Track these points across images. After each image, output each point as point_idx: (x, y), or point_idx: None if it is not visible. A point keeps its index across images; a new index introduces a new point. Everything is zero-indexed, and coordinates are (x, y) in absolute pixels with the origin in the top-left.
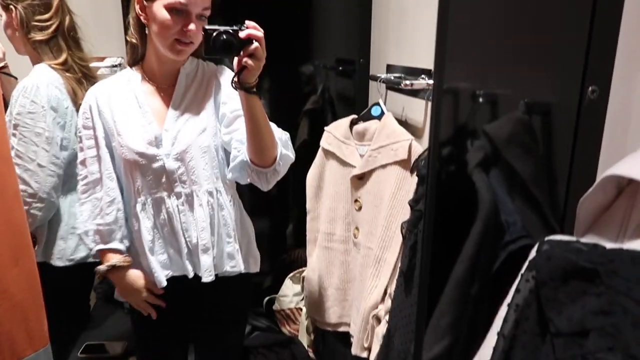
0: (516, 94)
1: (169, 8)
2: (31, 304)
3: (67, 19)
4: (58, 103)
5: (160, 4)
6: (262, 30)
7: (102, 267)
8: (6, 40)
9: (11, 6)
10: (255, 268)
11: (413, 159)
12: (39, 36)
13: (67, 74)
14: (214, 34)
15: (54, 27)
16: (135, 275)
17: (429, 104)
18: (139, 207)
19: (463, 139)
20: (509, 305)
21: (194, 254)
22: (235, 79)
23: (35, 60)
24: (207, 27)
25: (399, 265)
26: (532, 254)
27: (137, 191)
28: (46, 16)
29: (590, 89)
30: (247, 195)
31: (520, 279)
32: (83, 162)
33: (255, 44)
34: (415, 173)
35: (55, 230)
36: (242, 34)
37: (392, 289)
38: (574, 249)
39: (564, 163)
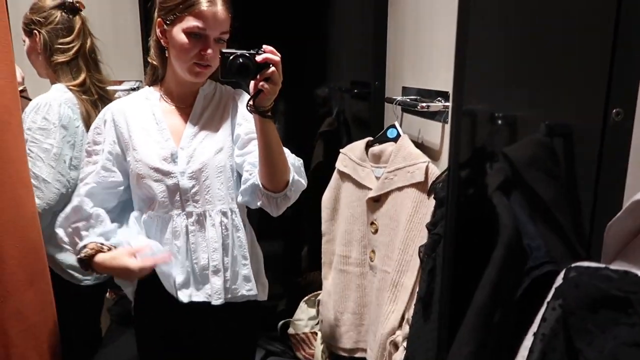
0: (537, 115)
1: (188, 32)
2: (45, 327)
3: (89, 41)
4: (69, 122)
5: (179, 28)
6: (279, 55)
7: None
8: (26, 64)
9: (35, 31)
10: (264, 296)
11: (430, 182)
12: (61, 58)
13: (84, 96)
14: (231, 57)
15: (75, 49)
16: (110, 256)
17: (446, 126)
18: (146, 222)
19: (483, 162)
20: (534, 334)
21: (202, 276)
22: (251, 103)
23: (54, 82)
24: (224, 50)
25: (417, 289)
26: (559, 281)
27: (147, 208)
28: (69, 39)
29: (614, 111)
30: (261, 216)
31: (547, 307)
32: (85, 177)
33: (272, 68)
34: (433, 196)
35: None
36: (258, 58)
37: (409, 314)
38: (604, 277)
39: (589, 187)
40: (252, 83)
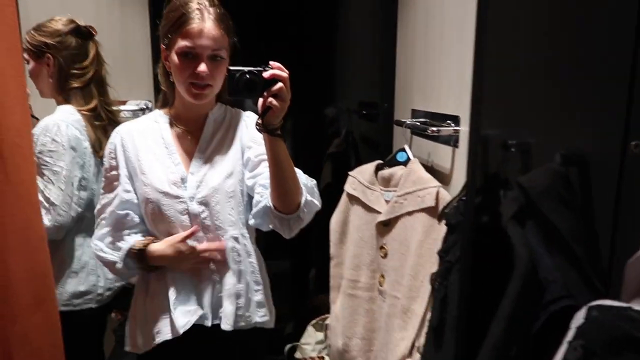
0: (552, 144)
1: (179, 53)
2: (51, 351)
3: (102, 67)
4: (77, 143)
5: (173, 49)
6: (286, 71)
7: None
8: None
9: (48, 54)
10: (272, 323)
11: (441, 207)
12: (75, 83)
13: (95, 122)
14: (237, 74)
15: (90, 75)
16: (165, 243)
17: (457, 150)
18: None
19: (498, 190)
20: None
21: (215, 300)
22: (259, 121)
23: (61, 104)
24: (231, 67)
25: (428, 317)
26: (579, 319)
27: (157, 233)
28: (84, 64)
29: (633, 143)
30: (268, 237)
31: (568, 347)
32: (106, 204)
33: (279, 84)
34: (444, 222)
35: (62, 270)
36: (266, 74)
37: (420, 342)
38: (628, 317)
39: (607, 219)
40: (260, 101)
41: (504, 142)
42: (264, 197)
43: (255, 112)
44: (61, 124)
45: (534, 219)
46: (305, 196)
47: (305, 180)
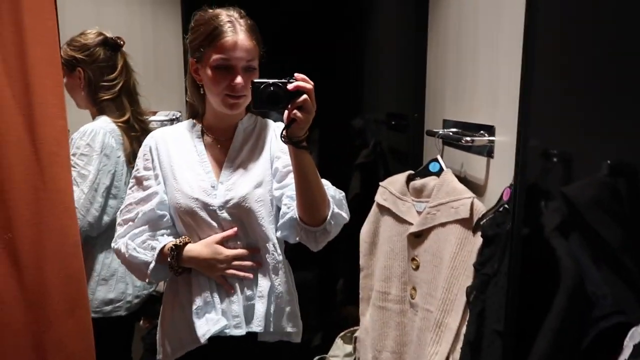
0: (597, 154)
1: (214, 66)
2: (83, 356)
3: (131, 77)
4: (112, 151)
5: (207, 63)
6: (311, 83)
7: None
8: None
9: (79, 68)
10: (298, 338)
11: (475, 218)
12: (106, 95)
13: (131, 133)
14: (262, 86)
15: (119, 86)
16: (202, 244)
17: (492, 160)
18: None
19: (543, 202)
20: None
21: (247, 308)
22: (284, 133)
23: (96, 116)
24: (255, 79)
25: (463, 331)
26: (637, 337)
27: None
28: (112, 76)
29: None
30: (295, 247)
31: None
32: (135, 203)
33: (304, 96)
34: (480, 233)
35: (92, 277)
36: (290, 86)
37: (454, 357)
38: None
39: None
40: (285, 113)
41: (547, 152)
42: (290, 208)
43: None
44: (99, 131)
45: (579, 231)
46: (333, 208)
47: (333, 192)
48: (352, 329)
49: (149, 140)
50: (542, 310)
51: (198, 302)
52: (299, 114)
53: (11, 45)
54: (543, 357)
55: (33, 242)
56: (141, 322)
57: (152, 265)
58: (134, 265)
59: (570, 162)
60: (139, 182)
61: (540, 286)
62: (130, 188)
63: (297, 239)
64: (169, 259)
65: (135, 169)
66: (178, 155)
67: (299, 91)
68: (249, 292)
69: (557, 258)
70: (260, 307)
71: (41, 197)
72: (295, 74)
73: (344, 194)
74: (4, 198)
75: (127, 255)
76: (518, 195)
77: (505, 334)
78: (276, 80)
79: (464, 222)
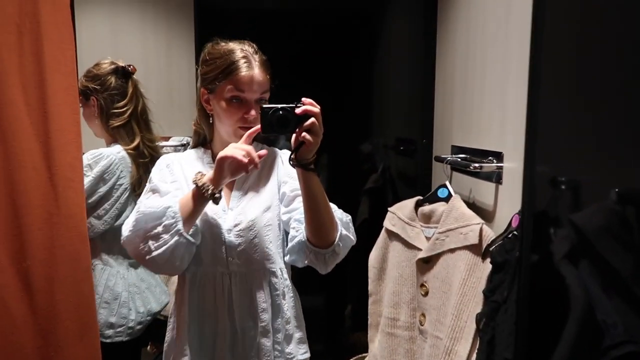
0: (605, 182)
1: (228, 99)
2: None
3: (140, 103)
4: (111, 178)
5: (221, 96)
6: (318, 107)
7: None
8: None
9: (92, 97)
10: None
11: (484, 244)
12: (116, 122)
13: (140, 160)
14: (270, 111)
15: (129, 112)
16: (218, 159)
17: (500, 187)
18: (188, 278)
19: (551, 229)
20: None
21: (249, 339)
22: (293, 156)
23: (110, 144)
24: (264, 105)
25: (472, 359)
26: None
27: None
28: (122, 103)
29: None
30: (303, 272)
31: None
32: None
33: (312, 120)
34: (489, 260)
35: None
36: (298, 110)
37: None
38: None
39: None
40: (293, 136)
41: (555, 179)
42: (299, 231)
43: (290, 148)
44: (107, 156)
45: (589, 259)
46: (340, 230)
47: (340, 215)
48: (360, 355)
49: (163, 160)
50: (552, 339)
51: (193, 339)
52: (307, 137)
53: (31, 74)
54: None
55: (45, 267)
56: (148, 347)
57: (173, 208)
58: (141, 231)
59: (578, 189)
60: (156, 190)
61: (550, 314)
62: (144, 195)
63: (306, 262)
64: (202, 192)
65: (149, 183)
66: (191, 177)
67: (307, 115)
68: (251, 322)
69: (566, 286)
70: (265, 341)
71: (55, 222)
72: (303, 99)
73: (350, 217)
74: (20, 223)
75: (134, 221)
76: (526, 222)
77: None
78: (284, 105)
79: (473, 248)
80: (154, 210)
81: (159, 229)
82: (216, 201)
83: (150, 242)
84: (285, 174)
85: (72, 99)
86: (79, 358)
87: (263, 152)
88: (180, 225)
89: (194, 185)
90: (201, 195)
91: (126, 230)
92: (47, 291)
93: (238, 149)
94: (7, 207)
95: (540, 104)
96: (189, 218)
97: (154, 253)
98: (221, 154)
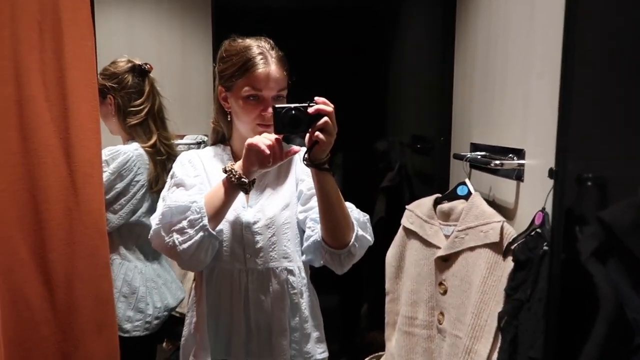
0: (634, 177)
1: (246, 97)
2: None
3: (157, 101)
4: (128, 174)
5: (238, 93)
6: (331, 106)
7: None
8: None
9: (109, 96)
10: None
11: (505, 242)
12: (133, 120)
13: (157, 158)
14: (283, 111)
15: (145, 110)
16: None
17: (522, 184)
18: (205, 274)
19: (579, 227)
20: None
21: (265, 339)
22: (306, 156)
23: (126, 141)
24: (276, 105)
25: (493, 358)
26: None
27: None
28: (139, 101)
29: None
30: (318, 271)
31: None
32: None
33: (325, 119)
34: (511, 258)
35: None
36: (310, 110)
37: None
38: None
39: None
40: (307, 136)
41: (582, 176)
42: (314, 231)
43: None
44: (125, 153)
45: (618, 256)
46: (357, 231)
47: (357, 215)
48: (377, 354)
49: (184, 156)
50: (581, 338)
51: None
52: (321, 136)
53: (52, 71)
54: None
55: (65, 262)
56: (164, 344)
57: (198, 203)
58: (168, 223)
59: (606, 186)
60: (180, 184)
61: (579, 313)
62: (168, 190)
63: (322, 262)
64: (230, 178)
65: (171, 178)
66: (212, 173)
67: (320, 114)
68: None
69: (595, 284)
70: (281, 340)
71: (74, 218)
72: (316, 98)
73: (368, 216)
74: (40, 219)
75: (163, 214)
76: (556, 220)
77: None
78: (297, 105)
79: (494, 247)
80: (179, 204)
81: (184, 223)
82: (246, 190)
83: (176, 236)
84: (302, 172)
85: (92, 95)
86: (97, 353)
87: (296, 148)
88: (205, 221)
89: (224, 175)
90: (230, 183)
91: (153, 223)
92: (66, 286)
93: (265, 138)
94: (27, 203)
95: (572, 102)
96: (217, 213)
97: (179, 248)
98: (249, 140)
